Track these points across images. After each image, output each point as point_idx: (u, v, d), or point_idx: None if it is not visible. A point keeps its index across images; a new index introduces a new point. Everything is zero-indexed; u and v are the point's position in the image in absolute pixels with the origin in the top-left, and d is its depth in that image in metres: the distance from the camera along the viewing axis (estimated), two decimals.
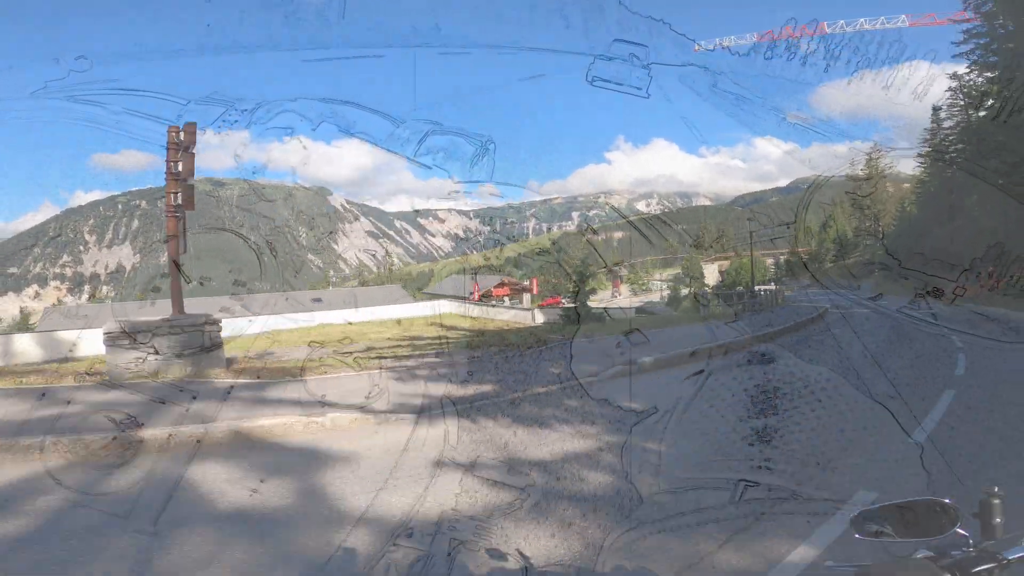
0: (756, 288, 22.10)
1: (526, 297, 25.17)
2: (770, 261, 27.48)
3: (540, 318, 19.97)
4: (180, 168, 8.62)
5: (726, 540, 3.04)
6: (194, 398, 3.59)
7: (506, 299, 25.83)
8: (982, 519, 1.33)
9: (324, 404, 3.67)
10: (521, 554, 3.15)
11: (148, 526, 3.08)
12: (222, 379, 5.97)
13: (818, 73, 8.40)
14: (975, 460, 3.95)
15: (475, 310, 22.13)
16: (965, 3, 16.38)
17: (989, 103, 15.69)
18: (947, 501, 1.36)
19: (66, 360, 10.20)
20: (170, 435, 3.57)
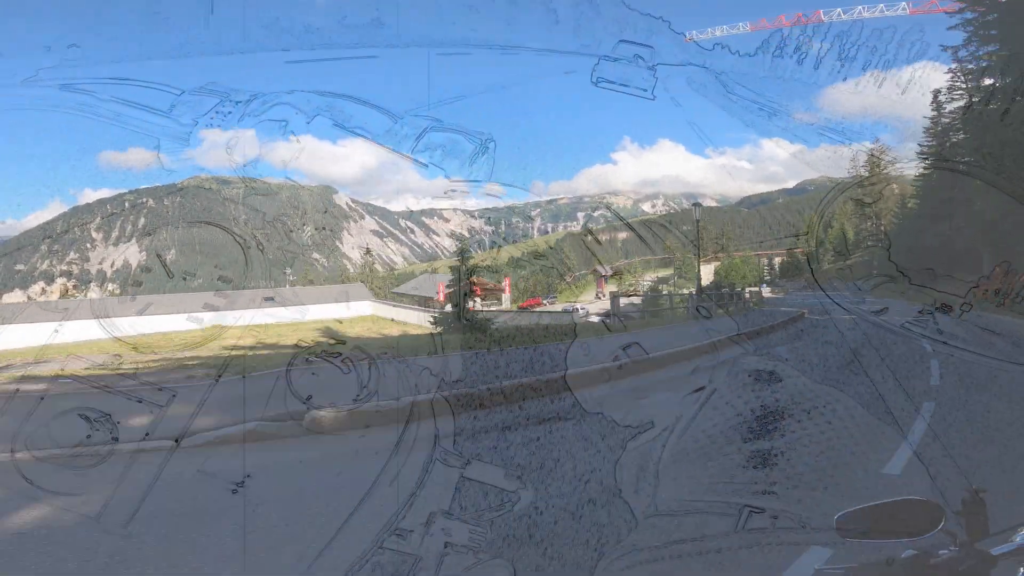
0: (739, 290, 21.91)
1: (505, 298, 24.69)
2: (764, 262, 27.21)
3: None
4: None
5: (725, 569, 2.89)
6: (174, 396, 3.48)
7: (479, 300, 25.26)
8: (966, 518, 1.37)
9: (308, 404, 3.55)
10: (511, 564, 3.03)
11: (120, 527, 2.98)
12: None
13: (831, 75, 8.19)
14: (968, 463, 3.83)
15: (397, 313, 21.78)
16: None
17: (988, 82, 15.41)
18: (931, 501, 1.37)
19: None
20: (146, 434, 3.46)
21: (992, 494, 1.25)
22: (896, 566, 1.25)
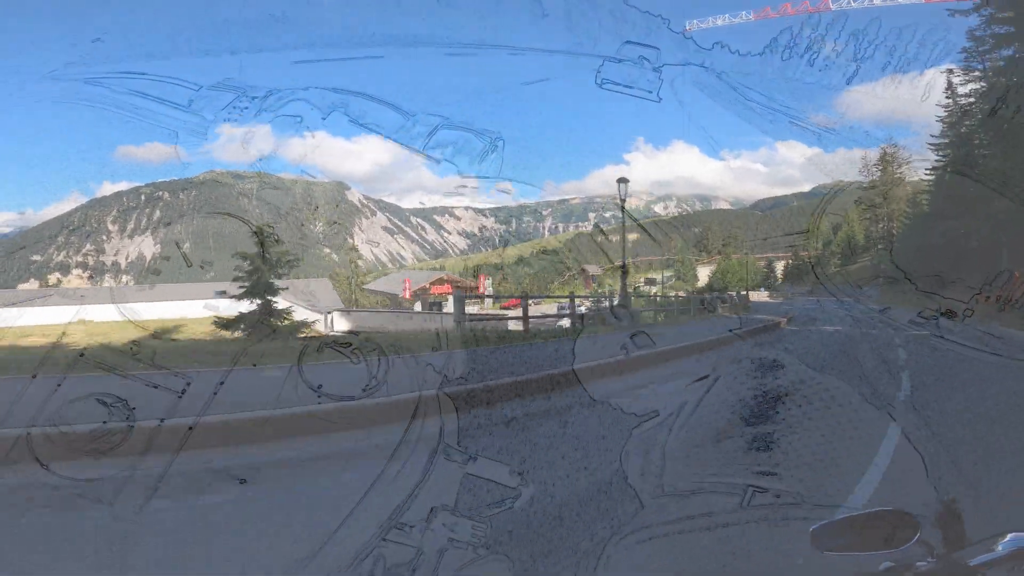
0: (729, 292, 21.50)
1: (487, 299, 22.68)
2: (764, 264, 26.66)
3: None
4: None
5: (733, 547, 2.94)
6: (188, 384, 3.54)
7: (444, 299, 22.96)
8: (943, 529, 1.35)
9: (320, 395, 3.60)
10: (512, 557, 3.06)
11: (132, 514, 3.06)
12: None
13: (846, 77, 8.04)
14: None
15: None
16: None
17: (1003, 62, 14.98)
18: (906, 512, 1.34)
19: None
20: (161, 421, 3.53)
21: (971, 501, 1.24)
22: None
